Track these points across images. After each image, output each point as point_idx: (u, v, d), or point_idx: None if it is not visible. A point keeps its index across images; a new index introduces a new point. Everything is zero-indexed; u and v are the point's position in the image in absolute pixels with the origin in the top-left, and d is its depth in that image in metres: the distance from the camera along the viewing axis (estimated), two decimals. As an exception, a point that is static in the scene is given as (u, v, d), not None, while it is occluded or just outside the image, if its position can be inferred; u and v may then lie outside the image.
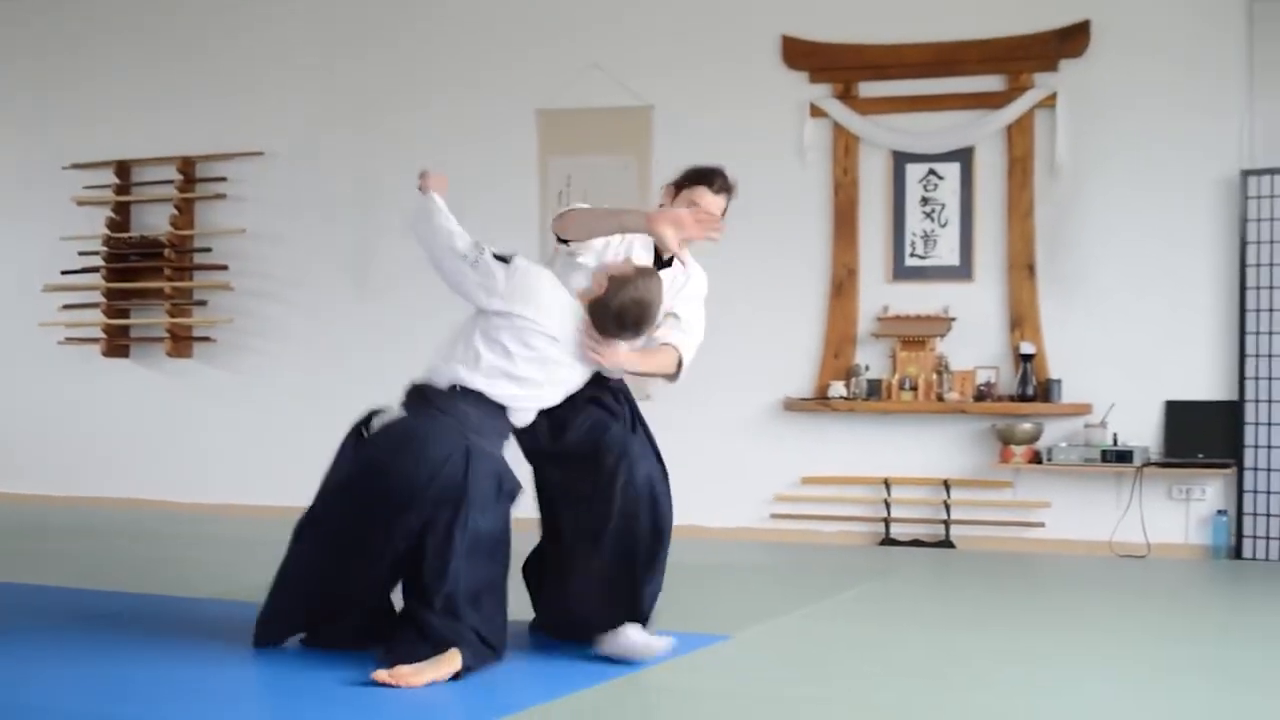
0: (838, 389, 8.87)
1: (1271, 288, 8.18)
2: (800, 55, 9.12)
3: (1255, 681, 4.86)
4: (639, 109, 9.36)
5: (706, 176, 4.95)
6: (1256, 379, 8.22)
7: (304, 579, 4.76)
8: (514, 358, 4.59)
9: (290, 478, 9.97)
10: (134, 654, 4.82)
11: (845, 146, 9.06)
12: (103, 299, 10.67)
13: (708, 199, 4.89)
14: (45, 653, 4.89)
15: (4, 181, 11.17)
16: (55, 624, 5.48)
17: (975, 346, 8.79)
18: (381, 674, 4.26)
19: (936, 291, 8.88)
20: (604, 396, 4.87)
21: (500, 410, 4.62)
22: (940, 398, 8.73)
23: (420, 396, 4.63)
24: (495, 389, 4.59)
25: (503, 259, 4.68)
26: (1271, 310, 8.18)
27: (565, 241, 4.90)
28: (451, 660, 4.30)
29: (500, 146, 9.70)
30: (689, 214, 4.62)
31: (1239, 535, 8.24)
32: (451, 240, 4.75)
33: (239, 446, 10.29)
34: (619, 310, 4.61)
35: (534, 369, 4.62)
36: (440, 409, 4.55)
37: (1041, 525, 8.61)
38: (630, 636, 4.66)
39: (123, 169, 10.76)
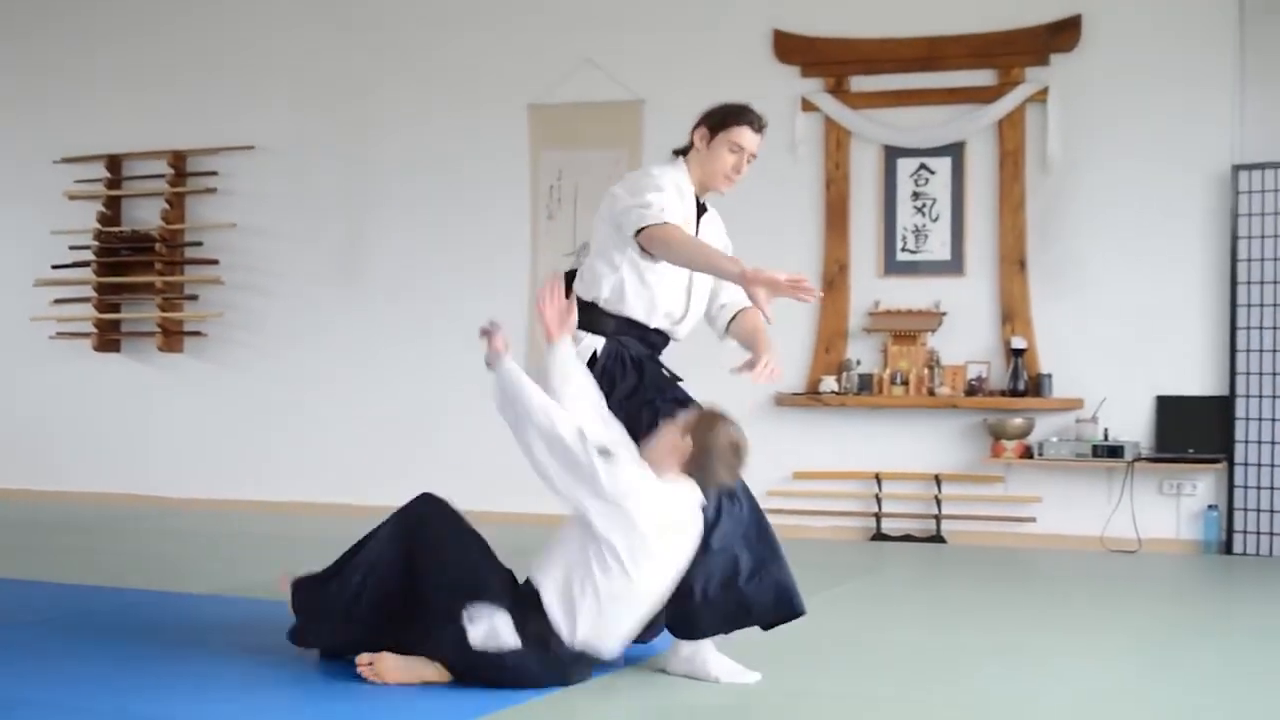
0: (829, 384, 8.87)
1: (1263, 282, 8.19)
2: (792, 49, 9.12)
3: (1245, 676, 4.86)
4: (631, 103, 9.35)
5: (746, 115, 4.79)
6: (1247, 374, 8.22)
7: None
8: (632, 580, 4.22)
9: (282, 472, 10.06)
10: (125, 649, 4.82)
11: (837, 141, 9.06)
12: (94, 293, 10.66)
13: (748, 138, 4.76)
14: (37, 648, 4.88)
15: (-6, 175, 11.18)
16: (48, 619, 5.48)
17: (966, 341, 8.80)
18: (364, 659, 4.27)
19: (928, 286, 8.88)
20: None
21: None
22: (931, 392, 8.74)
23: (544, 644, 4.22)
24: (616, 644, 4.34)
25: (602, 451, 4.23)
26: (1263, 305, 8.18)
27: (646, 251, 4.63)
28: (440, 673, 4.29)
29: (492, 141, 9.70)
30: (785, 276, 4.48)
31: (1230, 530, 8.25)
32: (554, 428, 4.22)
33: (230, 441, 10.28)
34: (720, 461, 4.32)
35: (656, 585, 4.31)
36: (564, 665, 4.28)
37: (1032, 520, 8.62)
38: (715, 659, 4.53)
39: (114, 163, 10.74)
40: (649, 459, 4.30)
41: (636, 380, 4.70)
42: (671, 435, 4.33)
